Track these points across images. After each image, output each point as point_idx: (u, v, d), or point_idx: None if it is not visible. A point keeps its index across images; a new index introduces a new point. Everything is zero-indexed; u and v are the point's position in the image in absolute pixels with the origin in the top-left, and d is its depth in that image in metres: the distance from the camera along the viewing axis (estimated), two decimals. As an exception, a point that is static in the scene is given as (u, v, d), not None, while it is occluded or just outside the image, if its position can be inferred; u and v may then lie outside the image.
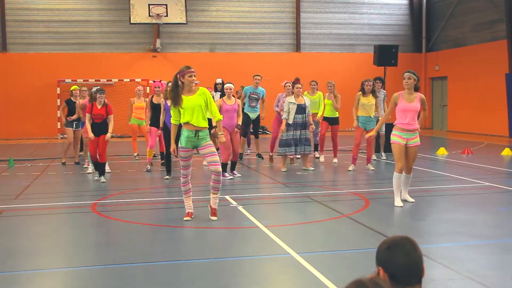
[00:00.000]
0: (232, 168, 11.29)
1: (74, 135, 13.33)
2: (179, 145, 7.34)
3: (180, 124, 7.39)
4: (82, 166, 12.67)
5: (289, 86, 12.71)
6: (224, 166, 10.75)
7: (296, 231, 7.00)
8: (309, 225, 7.19)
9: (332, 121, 13.29)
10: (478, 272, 5.13)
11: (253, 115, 13.43)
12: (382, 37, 24.66)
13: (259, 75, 13.65)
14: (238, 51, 23.99)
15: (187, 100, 7.21)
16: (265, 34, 24.44)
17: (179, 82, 7.24)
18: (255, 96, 13.40)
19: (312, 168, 12.04)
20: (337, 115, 13.36)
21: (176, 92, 7.22)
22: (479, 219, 7.43)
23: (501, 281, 5.02)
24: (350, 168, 12.03)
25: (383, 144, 14.13)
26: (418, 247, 2.42)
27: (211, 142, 7.46)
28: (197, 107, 7.21)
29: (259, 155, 13.95)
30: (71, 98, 13.45)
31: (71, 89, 13.73)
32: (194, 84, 7.32)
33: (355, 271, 5.08)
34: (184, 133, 7.26)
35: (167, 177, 11.09)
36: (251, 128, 13.95)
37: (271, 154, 13.13)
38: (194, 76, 7.28)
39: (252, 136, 14.51)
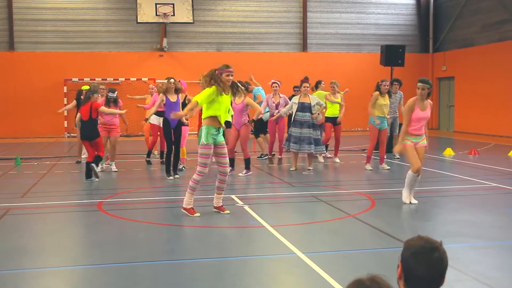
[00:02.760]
0: (246, 167, 11.44)
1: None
2: (202, 141, 7.43)
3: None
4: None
5: (276, 86, 12.73)
6: (231, 161, 10.97)
7: (302, 231, 6.99)
8: (315, 225, 7.18)
9: (335, 121, 13.29)
10: (485, 274, 5.11)
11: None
12: (389, 37, 24.60)
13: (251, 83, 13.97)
14: (245, 51, 23.99)
15: (225, 97, 7.47)
16: (271, 33, 24.43)
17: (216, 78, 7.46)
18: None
19: (311, 168, 11.93)
20: (338, 114, 13.34)
21: (219, 82, 7.41)
22: (485, 220, 7.40)
23: (508, 282, 5.00)
24: (368, 167, 12.02)
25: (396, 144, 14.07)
26: (445, 259, 2.33)
27: (224, 143, 7.70)
28: (228, 106, 7.55)
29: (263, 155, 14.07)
30: (82, 97, 13.48)
31: (82, 88, 13.74)
32: (228, 84, 7.52)
33: (361, 271, 5.05)
34: (206, 129, 7.43)
35: (171, 178, 10.90)
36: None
37: (269, 156, 13.11)
38: (232, 76, 7.49)
39: (251, 136, 14.49)
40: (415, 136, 8.26)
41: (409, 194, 8.35)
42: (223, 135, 7.77)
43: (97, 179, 10.67)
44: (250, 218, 7.48)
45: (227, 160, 7.71)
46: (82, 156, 13.97)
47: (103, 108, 11.03)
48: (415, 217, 7.85)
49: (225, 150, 7.65)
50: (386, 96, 11.95)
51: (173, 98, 10.90)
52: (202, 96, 7.39)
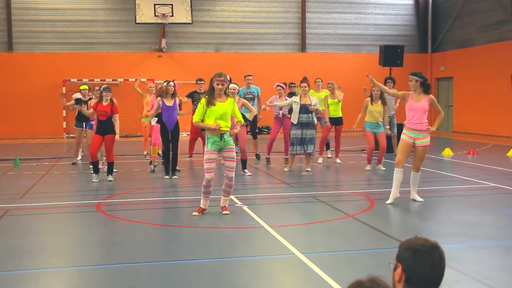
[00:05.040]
0: (243, 167, 11.50)
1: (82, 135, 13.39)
2: (206, 148, 7.64)
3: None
4: (88, 166, 12.68)
5: (280, 89, 12.65)
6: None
7: (301, 231, 6.99)
8: (314, 226, 7.19)
9: (335, 121, 13.31)
10: (484, 274, 5.11)
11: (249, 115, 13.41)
12: (387, 37, 24.60)
13: (250, 75, 13.66)
14: (244, 51, 23.99)
15: (219, 105, 7.54)
16: (270, 34, 24.42)
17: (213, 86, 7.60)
18: (250, 95, 13.42)
19: (309, 169, 11.87)
20: (341, 115, 13.38)
21: (211, 94, 7.56)
22: (484, 220, 7.41)
23: (507, 282, 5.01)
24: (368, 167, 12.06)
25: (396, 145, 14.12)
26: (444, 258, 2.35)
27: (233, 146, 7.74)
28: (224, 113, 7.54)
29: (257, 156, 13.95)
30: (81, 98, 13.46)
31: (81, 88, 13.70)
32: (220, 92, 7.57)
33: (360, 271, 5.06)
34: (211, 138, 7.55)
35: (166, 177, 11.07)
36: (248, 128, 13.91)
37: (267, 156, 13.07)
38: (221, 85, 7.54)
39: (250, 137, 14.45)
40: (413, 130, 8.26)
41: (396, 193, 8.40)
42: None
43: (96, 179, 10.77)
44: (249, 219, 7.48)
45: (233, 164, 7.69)
46: (78, 158, 13.95)
47: (116, 117, 10.93)
48: (414, 217, 7.86)
49: (232, 154, 7.65)
50: (379, 102, 11.92)
51: (169, 102, 10.98)
52: (195, 115, 7.66)
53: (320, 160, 13.34)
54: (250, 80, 13.54)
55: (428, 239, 2.39)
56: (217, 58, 23.10)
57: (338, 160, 13.36)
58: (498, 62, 21.09)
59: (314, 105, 11.59)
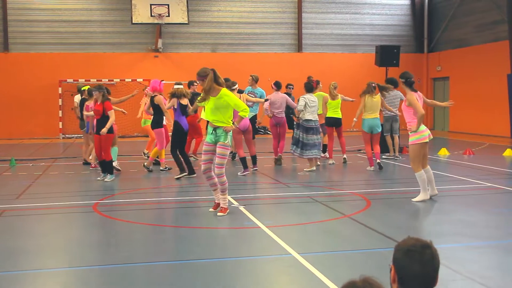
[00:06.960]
0: (254, 162, 11.96)
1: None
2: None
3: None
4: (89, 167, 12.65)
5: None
6: (242, 160, 11.52)
7: (297, 232, 7.00)
8: (311, 226, 7.19)
9: (336, 122, 13.25)
10: (480, 273, 5.13)
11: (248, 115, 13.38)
12: (383, 37, 24.64)
13: (251, 76, 13.72)
14: (240, 51, 24.00)
15: (210, 99, 7.64)
16: (266, 34, 24.44)
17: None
18: (252, 95, 13.41)
19: (314, 168, 11.95)
20: (340, 116, 13.37)
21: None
22: (480, 220, 7.43)
23: (503, 282, 5.02)
24: (371, 168, 12.05)
25: (394, 144, 14.14)
26: (437, 257, 2.34)
27: (225, 144, 7.60)
28: (210, 107, 7.63)
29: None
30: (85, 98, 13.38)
31: (83, 89, 13.56)
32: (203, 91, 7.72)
33: (357, 271, 5.05)
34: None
35: (191, 175, 11.20)
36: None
37: (275, 157, 13.10)
38: (196, 84, 7.87)
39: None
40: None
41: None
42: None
43: (109, 178, 10.84)
44: (245, 219, 7.48)
45: (220, 160, 7.60)
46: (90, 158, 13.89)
47: (111, 112, 10.92)
48: (410, 217, 7.87)
49: (220, 150, 7.57)
50: (377, 94, 11.95)
51: (184, 102, 11.36)
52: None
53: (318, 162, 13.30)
54: (249, 80, 13.67)
55: (419, 238, 2.39)
56: (214, 58, 23.08)
57: (330, 161, 13.30)
58: (494, 62, 21.15)
59: (298, 117, 11.77)
